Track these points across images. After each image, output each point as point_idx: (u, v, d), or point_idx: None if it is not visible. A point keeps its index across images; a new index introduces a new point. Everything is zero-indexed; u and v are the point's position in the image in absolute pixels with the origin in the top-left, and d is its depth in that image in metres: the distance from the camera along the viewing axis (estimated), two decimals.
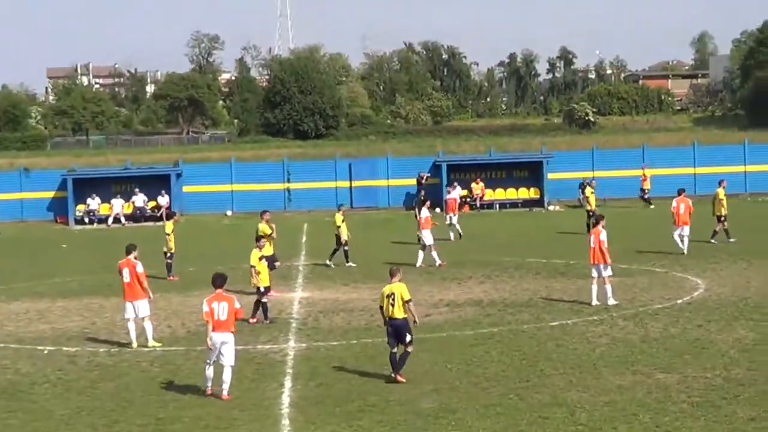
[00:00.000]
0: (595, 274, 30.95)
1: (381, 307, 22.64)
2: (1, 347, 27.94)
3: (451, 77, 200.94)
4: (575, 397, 20.56)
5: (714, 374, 21.98)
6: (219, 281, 22.16)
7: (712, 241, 44.14)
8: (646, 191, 66.59)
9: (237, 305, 21.91)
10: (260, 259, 30.98)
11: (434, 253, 40.98)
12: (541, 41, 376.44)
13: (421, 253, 41.17)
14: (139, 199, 69.30)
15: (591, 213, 48.69)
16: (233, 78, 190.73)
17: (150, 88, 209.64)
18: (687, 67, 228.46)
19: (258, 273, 30.60)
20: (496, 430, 18.80)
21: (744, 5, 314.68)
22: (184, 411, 20.69)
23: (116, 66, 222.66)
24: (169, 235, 39.81)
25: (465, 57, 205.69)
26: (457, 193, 62.17)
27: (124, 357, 26.16)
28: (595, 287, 30.84)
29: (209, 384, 21.74)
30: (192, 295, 34.23)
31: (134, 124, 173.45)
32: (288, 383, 22.71)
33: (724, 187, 45.60)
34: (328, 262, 42.03)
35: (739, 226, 47.30)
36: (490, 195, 70.57)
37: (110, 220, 67.96)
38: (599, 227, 31.10)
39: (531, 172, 71.36)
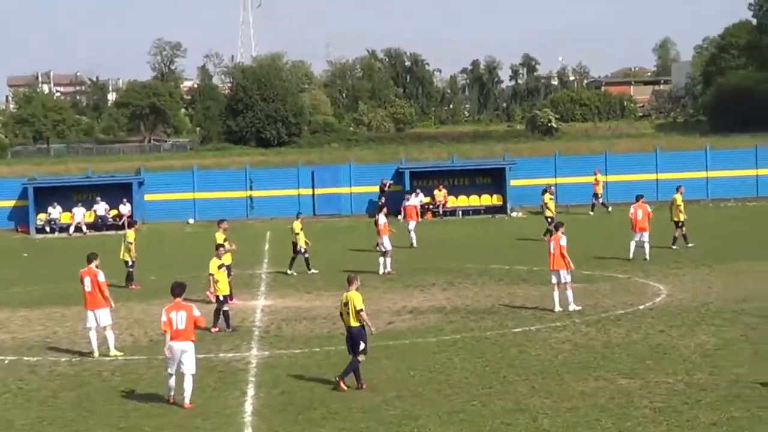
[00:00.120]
0: (555, 280, 31.08)
1: (341, 314, 22.69)
2: None
3: (413, 84, 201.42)
4: (538, 403, 20.60)
5: (676, 379, 22.08)
6: (178, 290, 22.15)
7: (674, 247, 44.34)
8: (600, 195, 66.69)
9: (196, 313, 21.88)
10: (219, 267, 30.89)
11: (388, 260, 41.11)
12: (503, 48, 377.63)
13: (381, 260, 41.22)
14: (101, 207, 68.82)
15: (550, 219, 48.81)
16: (195, 86, 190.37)
17: (111, 96, 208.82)
18: (649, 74, 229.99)
19: (217, 281, 30.53)
20: None
21: (706, 12, 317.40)
22: (146, 420, 20.62)
23: (77, 74, 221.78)
24: (131, 243, 39.66)
25: (428, 64, 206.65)
26: (417, 200, 62.15)
27: (86, 366, 26.02)
28: (556, 293, 30.95)
29: (171, 393, 21.73)
30: (154, 304, 34.04)
31: (96, 132, 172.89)
32: (251, 391, 22.67)
33: (681, 193, 45.74)
34: (288, 271, 41.91)
35: (701, 231, 47.55)
36: (452, 202, 70.51)
37: (72, 229, 67.47)
38: (559, 233, 31.23)
39: (494, 179, 71.37)
